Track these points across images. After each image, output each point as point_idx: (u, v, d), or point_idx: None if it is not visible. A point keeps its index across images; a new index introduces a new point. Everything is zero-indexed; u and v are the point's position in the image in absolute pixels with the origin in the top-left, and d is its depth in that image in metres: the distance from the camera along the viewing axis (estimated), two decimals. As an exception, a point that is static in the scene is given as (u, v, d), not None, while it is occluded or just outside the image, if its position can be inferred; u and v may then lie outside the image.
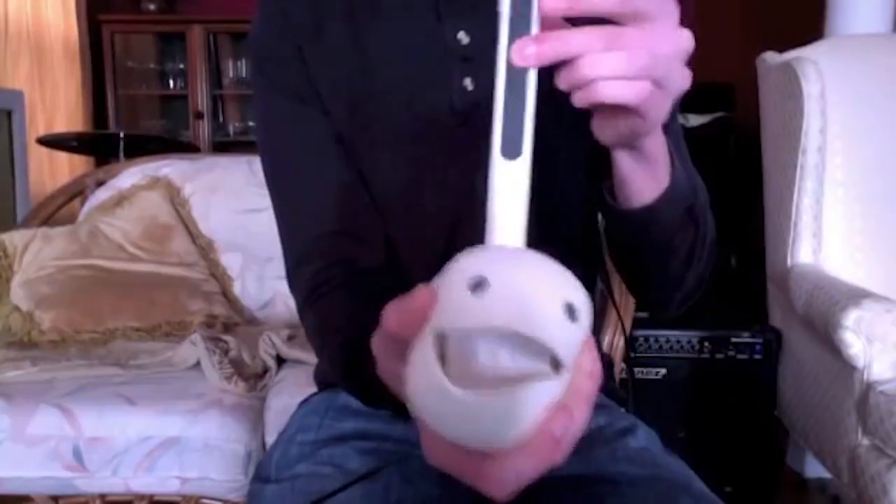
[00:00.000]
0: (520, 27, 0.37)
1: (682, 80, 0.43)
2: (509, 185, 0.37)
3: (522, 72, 0.37)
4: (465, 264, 0.33)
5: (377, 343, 0.38)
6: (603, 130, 0.49)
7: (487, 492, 0.33)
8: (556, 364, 0.32)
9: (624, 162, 0.53)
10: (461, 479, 0.34)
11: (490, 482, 0.33)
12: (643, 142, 0.50)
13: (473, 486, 0.34)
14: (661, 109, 0.44)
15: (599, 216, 0.72)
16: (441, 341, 0.33)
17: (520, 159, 0.37)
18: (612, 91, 0.40)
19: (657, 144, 0.52)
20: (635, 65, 0.39)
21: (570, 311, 0.31)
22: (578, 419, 0.33)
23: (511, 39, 0.37)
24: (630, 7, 0.39)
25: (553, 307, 0.31)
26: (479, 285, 0.31)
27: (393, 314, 0.34)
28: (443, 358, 0.32)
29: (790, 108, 1.73)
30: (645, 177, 0.55)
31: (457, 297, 0.32)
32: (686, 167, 0.60)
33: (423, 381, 0.32)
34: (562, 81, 0.40)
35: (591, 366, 0.34)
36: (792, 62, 1.72)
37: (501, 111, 0.37)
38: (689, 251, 0.64)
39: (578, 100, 0.41)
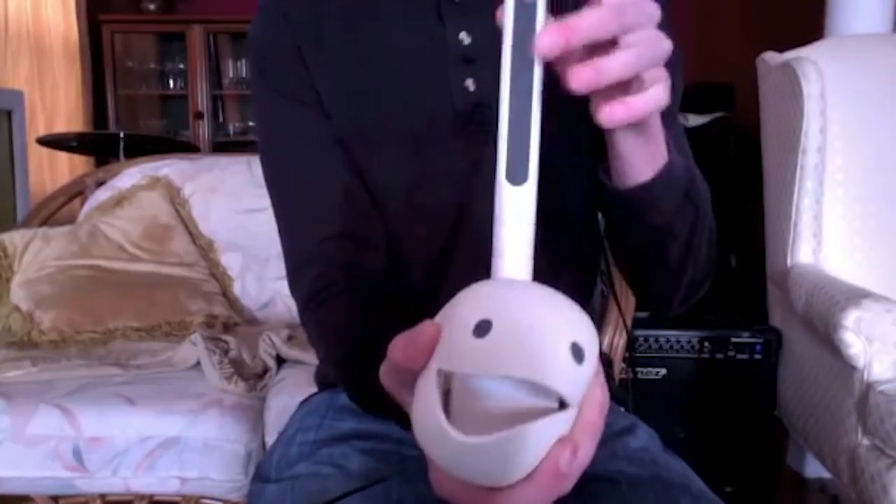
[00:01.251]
0: (522, 62, 0.37)
1: (664, 45, 0.43)
2: (515, 211, 0.37)
3: (527, 98, 0.37)
4: (469, 303, 0.33)
5: (385, 372, 0.38)
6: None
7: None
8: (561, 403, 0.32)
9: (623, 139, 0.53)
10: None
11: None
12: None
13: None
14: (666, 79, 0.44)
15: (600, 215, 0.72)
16: (446, 379, 0.33)
17: (526, 185, 0.37)
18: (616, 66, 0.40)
19: (655, 119, 0.52)
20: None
21: (577, 352, 0.31)
22: (584, 452, 0.33)
23: (514, 68, 0.37)
24: (625, 26, 0.39)
25: (558, 350, 0.31)
26: (482, 328, 0.31)
27: (399, 347, 0.35)
28: (448, 393, 0.32)
29: (790, 108, 1.73)
30: (644, 153, 0.54)
31: (460, 339, 0.32)
32: (688, 162, 0.60)
33: (427, 422, 0.32)
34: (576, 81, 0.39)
35: (601, 399, 0.34)
36: (792, 62, 1.72)
37: (506, 137, 0.37)
38: (689, 237, 0.63)
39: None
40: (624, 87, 0.42)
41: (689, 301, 0.71)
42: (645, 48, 0.41)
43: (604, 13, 0.38)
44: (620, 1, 0.39)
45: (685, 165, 0.58)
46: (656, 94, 0.44)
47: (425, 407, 0.32)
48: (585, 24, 0.38)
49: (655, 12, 0.42)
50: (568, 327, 0.32)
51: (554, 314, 0.32)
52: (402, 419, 0.40)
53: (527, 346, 0.30)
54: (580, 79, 0.38)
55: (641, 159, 0.55)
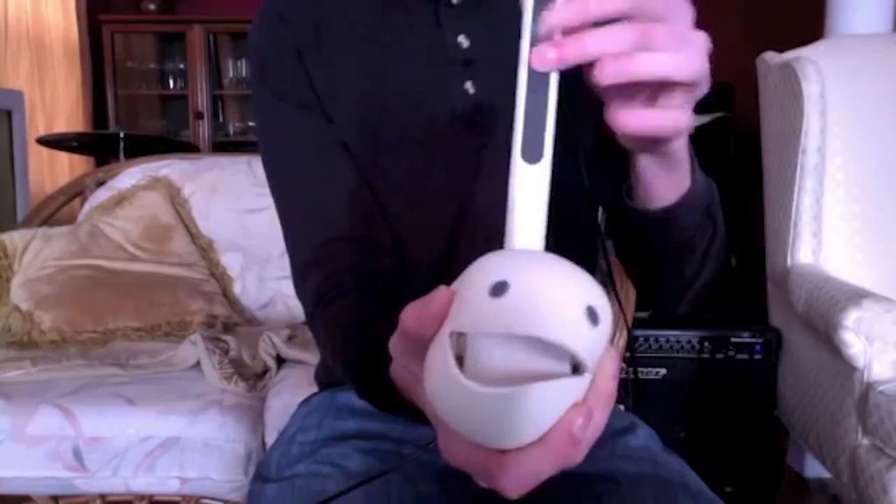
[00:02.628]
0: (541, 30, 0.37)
1: (706, 77, 0.42)
2: (530, 189, 0.37)
3: (544, 76, 0.37)
4: (487, 267, 0.33)
5: (395, 342, 0.38)
6: (629, 135, 0.48)
7: (502, 489, 0.33)
8: (576, 366, 0.32)
9: (647, 166, 0.53)
10: (477, 478, 0.34)
11: (506, 479, 0.33)
12: (670, 145, 0.50)
13: (489, 484, 0.34)
14: (689, 105, 0.43)
15: (599, 214, 0.72)
16: (459, 341, 0.32)
17: (541, 163, 0.37)
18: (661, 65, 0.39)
19: (681, 148, 0.51)
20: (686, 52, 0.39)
21: (592, 315, 0.31)
22: (598, 420, 0.33)
23: (532, 43, 0.37)
24: (640, 7, 0.38)
25: (574, 311, 0.31)
26: (499, 288, 0.31)
27: (412, 314, 0.34)
28: (460, 358, 0.32)
29: (790, 108, 1.73)
30: (668, 180, 0.54)
31: (477, 299, 0.31)
32: (706, 178, 0.60)
33: (440, 377, 0.32)
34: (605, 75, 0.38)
35: (614, 368, 0.34)
36: (792, 62, 1.72)
37: (523, 115, 0.37)
38: (706, 250, 0.64)
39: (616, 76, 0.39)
40: (650, 95, 0.42)
41: (696, 302, 0.71)
42: (684, 59, 0.39)
43: None
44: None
45: (706, 182, 0.58)
46: (677, 116, 0.42)
47: (440, 364, 0.32)
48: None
49: (685, 9, 0.40)
50: (583, 291, 0.32)
51: (570, 278, 0.32)
52: (411, 412, 0.40)
53: (544, 306, 0.30)
54: (605, 70, 0.37)
55: (665, 185, 0.55)
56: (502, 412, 0.31)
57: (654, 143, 0.49)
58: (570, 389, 0.32)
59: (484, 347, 0.32)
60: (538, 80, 0.37)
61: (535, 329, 0.30)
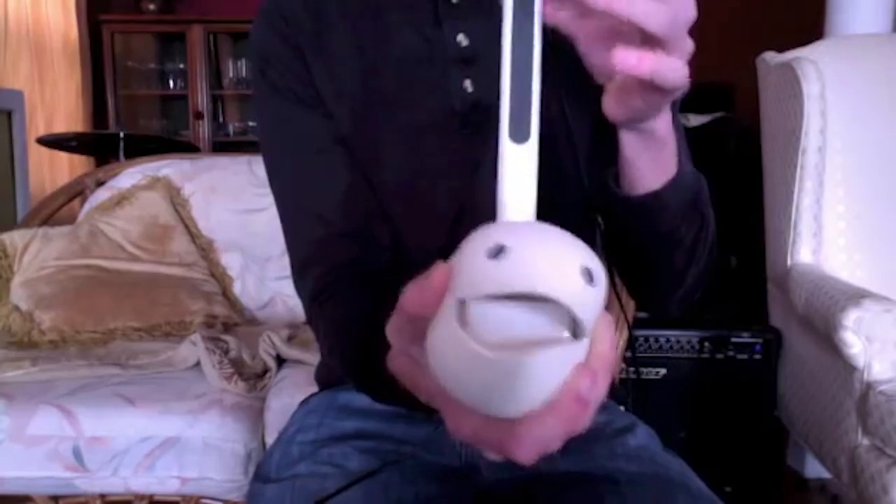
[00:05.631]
0: (523, 15, 0.38)
1: (689, 46, 0.43)
2: (519, 168, 0.38)
3: (528, 59, 0.38)
4: (484, 234, 0.33)
5: (393, 326, 0.37)
6: (615, 105, 0.48)
7: (514, 456, 0.33)
8: (575, 330, 0.32)
9: (632, 144, 0.53)
10: (486, 448, 0.34)
11: (518, 448, 0.33)
12: (653, 122, 0.50)
13: (499, 453, 0.34)
14: (676, 76, 0.43)
15: (598, 218, 0.72)
16: (462, 309, 0.33)
17: (528, 142, 0.38)
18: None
19: (665, 126, 0.52)
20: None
21: (589, 275, 0.32)
22: (601, 382, 0.33)
23: (515, 28, 0.38)
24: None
25: (572, 270, 0.31)
26: (498, 252, 0.32)
27: (412, 293, 0.34)
28: (463, 327, 0.33)
29: (790, 108, 1.73)
30: (652, 161, 0.54)
31: (477, 264, 0.32)
32: (693, 169, 0.60)
33: (446, 344, 0.32)
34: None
35: (611, 335, 0.34)
36: (792, 62, 1.72)
37: (508, 97, 0.38)
38: (693, 244, 0.64)
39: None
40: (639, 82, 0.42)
41: (686, 302, 0.71)
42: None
43: None
44: None
45: (693, 173, 0.59)
46: (675, 66, 0.42)
47: (445, 332, 0.32)
48: None
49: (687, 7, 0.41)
50: (579, 252, 0.33)
51: (565, 241, 0.33)
52: (411, 403, 0.40)
53: (543, 265, 0.31)
54: (624, 59, 0.39)
55: (650, 167, 0.55)
56: (510, 378, 0.31)
57: (642, 114, 0.49)
58: (573, 353, 0.32)
59: (486, 314, 0.32)
60: (522, 63, 0.38)
61: (535, 286, 0.30)
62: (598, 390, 0.32)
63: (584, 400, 0.32)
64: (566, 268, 0.31)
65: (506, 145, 0.38)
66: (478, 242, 0.33)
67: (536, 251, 0.32)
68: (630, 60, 0.40)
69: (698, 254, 0.65)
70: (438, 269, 0.33)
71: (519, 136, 0.38)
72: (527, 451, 0.33)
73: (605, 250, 0.75)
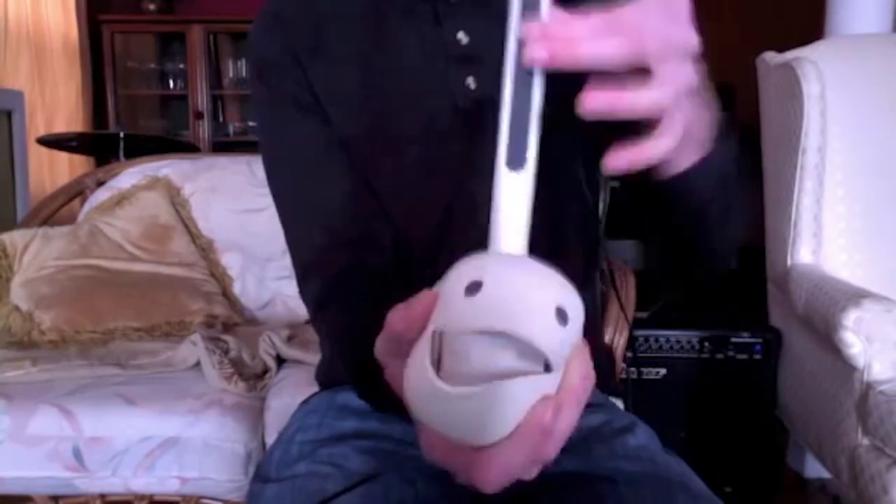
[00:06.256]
0: (524, 51, 0.38)
1: (687, 75, 0.41)
2: (513, 196, 0.38)
3: (528, 85, 0.38)
4: (464, 269, 0.34)
5: (380, 343, 0.39)
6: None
7: (479, 484, 0.34)
8: (546, 365, 0.33)
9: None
10: (454, 473, 0.35)
11: (481, 474, 0.33)
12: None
13: (466, 480, 0.34)
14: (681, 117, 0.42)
15: (601, 211, 0.72)
16: (438, 341, 0.34)
17: (524, 171, 0.38)
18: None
19: (688, 124, 0.50)
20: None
21: (561, 315, 0.32)
22: (568, 416, 0.33)
23: (517, 55, 0.38)
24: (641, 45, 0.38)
25: (543, 310, 0.32)
26: (473, 288, 0.32)
27: (398, 316, 0.35)
28: (440, 357, 0.34)
29: (790, 108, 1.73)
30: (679, 156, 0.52)
31: (453, 299, 0.33)
32: (725, 146, 0.59)
33: (415, 376, 0.34)
34: None
35: (585, 369, 0.34)
36: (792, 62, 1.72)
37: (507, 125, 0.38)
38: (723, 215, 0.62)
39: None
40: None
41: (714, 274, 0.70)
42: (675, 85, 0.39)
43: (602, 23, 0.37)
44: (637, 21, 0.38)
45: (722, 151, 0.56)
46: (664, 143, 0.41)
47: (416, 364, 0.34)
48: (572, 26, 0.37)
49: (684, 39, 0.40)
50: (554, 292, 0.33)
51: (542, 279, 0.34)
52: (408, 412, 0.40)
53: (513, 304, 0.32)
54: (592, 101, 0.37)
55: (676, 159, 0.53)
56: (473, 409, 0.32)
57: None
58: (538, 386, 0.33)
59: (461, 346, 0.33)
60: (522, 90, 0.38)
61: (504, 325, 0.31)
62: (564, 422, 0.33)
63: (547, 430, 0.32)
64: (538, 307, 0.32)
65: (501, 173, 0.38)
66: (459, 276, 0.34)
67: (509, 289, 0.32)
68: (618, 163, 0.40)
69: (729, 224, 0.64)
70: (425, 296, 0.35)
71: (515, 163, 0.38)
72: (491, 479, 0.33)
73: (605, 254, 0.75)
